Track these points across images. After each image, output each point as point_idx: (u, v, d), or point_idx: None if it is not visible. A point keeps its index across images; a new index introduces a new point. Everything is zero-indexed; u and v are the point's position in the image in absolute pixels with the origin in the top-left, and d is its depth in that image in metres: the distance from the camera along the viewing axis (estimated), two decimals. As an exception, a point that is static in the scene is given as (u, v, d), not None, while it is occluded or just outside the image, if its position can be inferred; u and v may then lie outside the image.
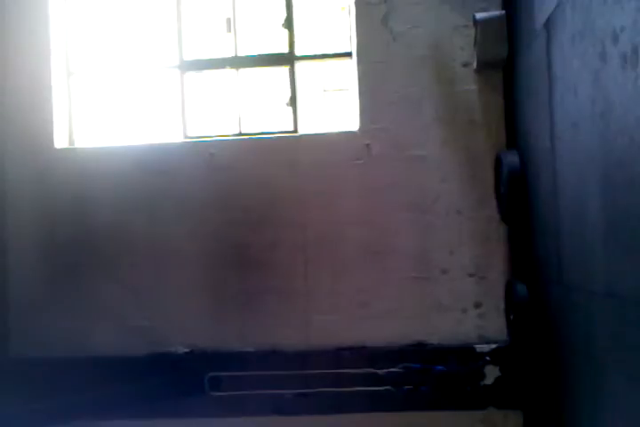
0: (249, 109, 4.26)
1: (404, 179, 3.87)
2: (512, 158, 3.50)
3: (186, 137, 4.22)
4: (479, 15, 3.63)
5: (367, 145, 3.90)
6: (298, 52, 4.14)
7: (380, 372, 3.77)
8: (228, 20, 4.24)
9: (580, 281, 2.50)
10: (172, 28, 4.26)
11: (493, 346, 3.73)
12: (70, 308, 4.04)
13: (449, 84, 3.87)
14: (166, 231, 4.01)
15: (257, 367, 3.84)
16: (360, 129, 3.92)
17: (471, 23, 3.75)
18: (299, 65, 4.15)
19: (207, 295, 3.98)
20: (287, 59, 4.14)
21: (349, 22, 4.07)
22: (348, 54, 4.10)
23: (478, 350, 3.73)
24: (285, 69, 4.16)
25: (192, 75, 4.27)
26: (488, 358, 3.72)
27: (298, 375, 3.80)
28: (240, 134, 4.16)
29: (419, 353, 3.77)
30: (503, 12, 3.64)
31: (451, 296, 3.81)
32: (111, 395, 3.91)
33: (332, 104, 4.31)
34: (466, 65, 3.85)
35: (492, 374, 3.71)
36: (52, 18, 4.23)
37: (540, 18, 2.97)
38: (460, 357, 3.74)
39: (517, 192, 3.45)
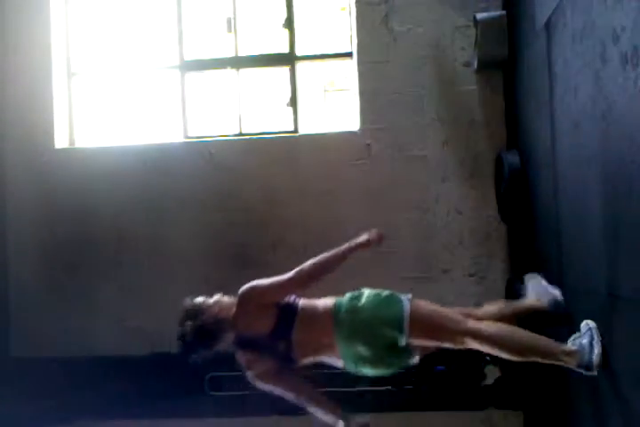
0: (249, 109, 4.26)
1: (405, 179, 3.86)
2: (513, 158, 3.49)
3: (186, 137, 4.22)
4: (480, 15, 3.63)
5: (367, 145, 3.90)
6: (298, 53, 4.14)
7: (380, 372, 3.76)
8: (229, 21, 4.24)
9: (580, 281, 2.50)
10: (172, 29, 4.26)
11: (494, 346, 3.72)
12: (70, 308, 4.03)
13: (449, 84, 3.86)
14: (166, 231, 4.01)
15: (257, 367, 3.83)
16: (360, 129, 3.92)
17: (472, 23, 3.75)
18: (299, 65, 4.15)
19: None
20: (288, 59, 4.14)
21: (350, 22, 4.07)
22: (349, 54, 4.10)
23: (478, 350, 3.73)
24: (286, 69, 4.16)
25: (192, 75, 4.27)
26: (488, 358, 3.71)
27: (298, 375, 3.79)
28: (240, 134, 4.16)
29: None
30: (504, 12, 3.64)
31: (451, 296, 3.80)
32: (111, 395, 3.91)
33: (332, 104, 4.30)
34: (466, 65, 3.85)
35: (492, 374, 3.71)
36: (53, 18, 4.23)
37: (541, 18, 2.96)
38: (461, 357, 3.73)
39: (518, 192, 3.44)
